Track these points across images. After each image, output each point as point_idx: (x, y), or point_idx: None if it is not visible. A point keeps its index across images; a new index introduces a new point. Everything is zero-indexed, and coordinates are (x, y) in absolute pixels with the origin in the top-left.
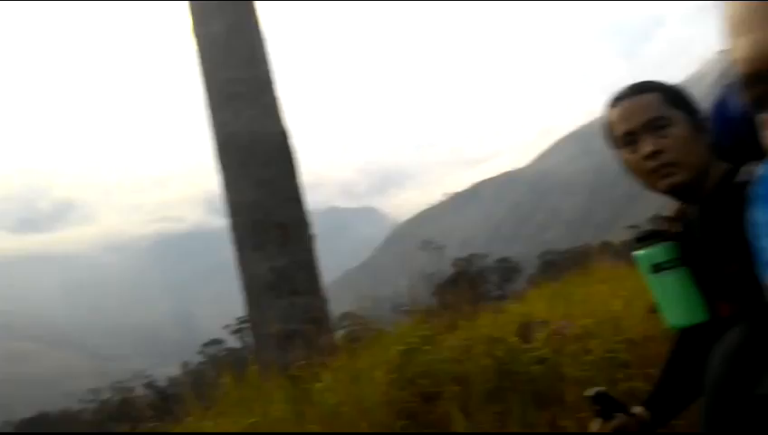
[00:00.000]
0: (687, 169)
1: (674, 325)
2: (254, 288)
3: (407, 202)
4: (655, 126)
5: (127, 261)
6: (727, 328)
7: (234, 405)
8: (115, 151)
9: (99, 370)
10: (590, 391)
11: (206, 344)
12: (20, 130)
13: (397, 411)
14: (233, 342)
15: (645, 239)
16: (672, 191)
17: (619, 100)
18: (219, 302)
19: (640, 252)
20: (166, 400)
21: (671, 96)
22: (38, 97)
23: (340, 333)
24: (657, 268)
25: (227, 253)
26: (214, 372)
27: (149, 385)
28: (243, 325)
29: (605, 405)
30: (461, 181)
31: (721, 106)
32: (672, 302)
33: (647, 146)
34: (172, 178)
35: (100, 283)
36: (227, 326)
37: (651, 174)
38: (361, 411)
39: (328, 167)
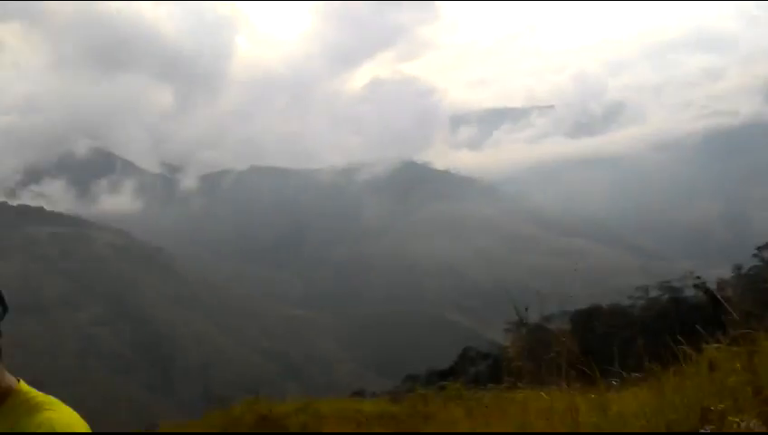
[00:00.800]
0: None
1: None
2: None
3: None
4: None
5: (674, 159)
6: None
7: None
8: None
9: (645, 267)
10: None
11: (761, 247)
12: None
13: None
14: None
15: None
16: None
17: None
18: None
19: None
20: (717, 302)
21: None
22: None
23: None
24: None
25: None
26: None
27: (699, 286)
28: None
29: None
30: None
31: None
32: None
33: None
34: (725, 68)
35: (647, 182)
36: None
37: None
38: None
39: None
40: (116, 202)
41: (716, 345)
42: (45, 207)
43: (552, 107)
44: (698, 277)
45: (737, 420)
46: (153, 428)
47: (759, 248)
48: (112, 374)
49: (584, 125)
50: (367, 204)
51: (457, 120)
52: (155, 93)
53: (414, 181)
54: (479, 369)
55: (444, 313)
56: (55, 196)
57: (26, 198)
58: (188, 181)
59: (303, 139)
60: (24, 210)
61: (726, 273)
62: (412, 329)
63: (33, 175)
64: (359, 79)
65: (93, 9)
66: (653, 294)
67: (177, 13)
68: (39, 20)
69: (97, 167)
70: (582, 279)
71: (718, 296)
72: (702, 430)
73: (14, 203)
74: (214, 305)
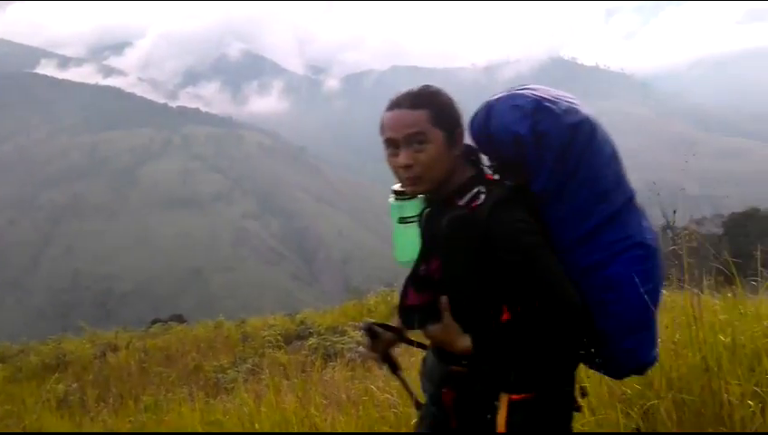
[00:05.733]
0: (429, 182)
1: (399, 261)
2: None
3: None
4: (414, 141)
5: None
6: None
7: None
8: None
9: None
10: (363, 324)
11: None
12: None
13: None
14: None
15: (400, 194)
16: (416, 195)
17: (392, 107)
18: None
19: (394, 202)
20: None
21: (437, 114)
22: None
23: None
24: (402, 220)
25: None
26: None
27: None
28: None
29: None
30: None
31: (480, 123)
32: (405, 246)
33: (403, 158)
34: None
35: None
36: None
37: (403, 179)
38: None
39: None
40: (264, 103)
41: None
42: (201, 108)
43: None
44: None
45: None
46: (297, 313)
47: None
48: (263, 264)
49: (757, 11)
50: None
51: (613, 10)
52: None
53: (560, 79)
54: None
55: None
56: (210, 97)
57: (184, 100)
58: (332, 82)
59: (446, 37)
60: (183, 111)
61: None
62: None
63: (191, 78)
64: None
65: None
66: None
67: None
68: None
69: (248, 69)
70: (741, 181)
71: None
72: None
73: (174, 105)
74: (355, 204)
